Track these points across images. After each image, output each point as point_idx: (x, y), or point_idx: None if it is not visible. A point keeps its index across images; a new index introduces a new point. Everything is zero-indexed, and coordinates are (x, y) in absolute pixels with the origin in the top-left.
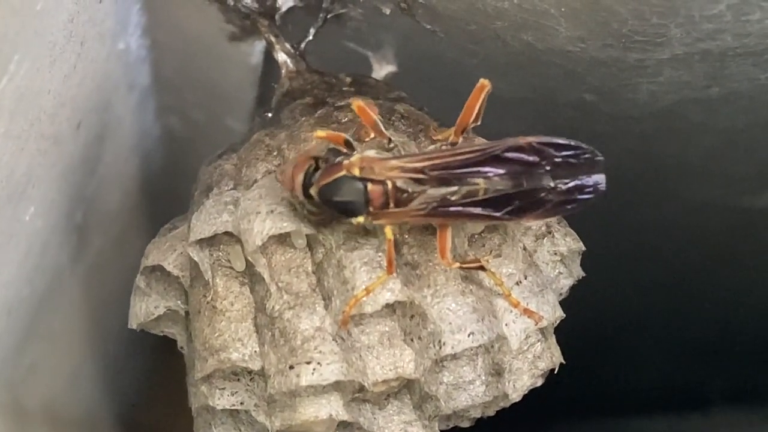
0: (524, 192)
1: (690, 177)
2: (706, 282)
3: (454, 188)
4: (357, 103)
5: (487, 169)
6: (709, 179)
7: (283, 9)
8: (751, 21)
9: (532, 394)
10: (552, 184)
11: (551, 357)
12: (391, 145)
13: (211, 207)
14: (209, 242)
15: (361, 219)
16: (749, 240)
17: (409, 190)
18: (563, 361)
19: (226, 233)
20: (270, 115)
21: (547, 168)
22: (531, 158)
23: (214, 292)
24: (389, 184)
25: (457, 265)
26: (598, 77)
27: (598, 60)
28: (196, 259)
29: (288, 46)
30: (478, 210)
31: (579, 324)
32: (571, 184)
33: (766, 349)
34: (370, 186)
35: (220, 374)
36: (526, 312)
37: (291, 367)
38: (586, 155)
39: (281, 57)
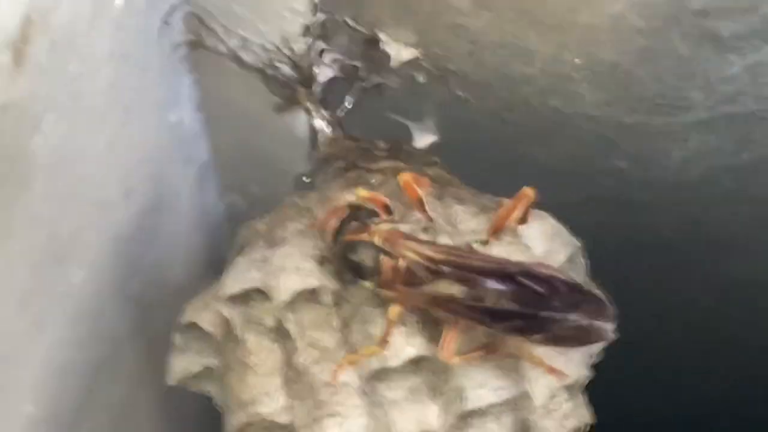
0: (530, 315)
1: (732, 248)
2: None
3: (464, 289)
4: (404, 176)
5: (498, 284)
6: (752, 252)
7: (322, 79)
8: None
9: None
10: (558, 317)
11: (580, 416)
12: (428, 226)
13: (241, 264)
14: (241, 299)
15: (368, 285)
16: None
17: (420, 276)
18: (593, 422)
19: (256, 290)
20: (308, 180)
21: (557, 304)
22: (542, 290)
23: (245, 348)
24: (402, 264)
25: (457, 360)
26: (629, 143)
27: (626, 124)
28: (227, 315)
29: (325, 113)
30: (480, 316)
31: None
32: (580, 323)
33: None
34: (383, 258)
35: (253, 430)
36: (551, 370)
37: (317, 421)
38: (600, 306)
39: (318, 124)
